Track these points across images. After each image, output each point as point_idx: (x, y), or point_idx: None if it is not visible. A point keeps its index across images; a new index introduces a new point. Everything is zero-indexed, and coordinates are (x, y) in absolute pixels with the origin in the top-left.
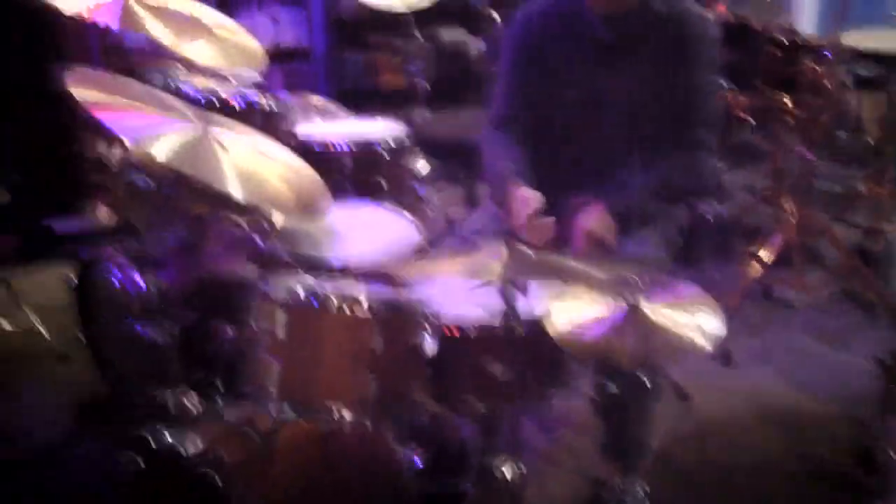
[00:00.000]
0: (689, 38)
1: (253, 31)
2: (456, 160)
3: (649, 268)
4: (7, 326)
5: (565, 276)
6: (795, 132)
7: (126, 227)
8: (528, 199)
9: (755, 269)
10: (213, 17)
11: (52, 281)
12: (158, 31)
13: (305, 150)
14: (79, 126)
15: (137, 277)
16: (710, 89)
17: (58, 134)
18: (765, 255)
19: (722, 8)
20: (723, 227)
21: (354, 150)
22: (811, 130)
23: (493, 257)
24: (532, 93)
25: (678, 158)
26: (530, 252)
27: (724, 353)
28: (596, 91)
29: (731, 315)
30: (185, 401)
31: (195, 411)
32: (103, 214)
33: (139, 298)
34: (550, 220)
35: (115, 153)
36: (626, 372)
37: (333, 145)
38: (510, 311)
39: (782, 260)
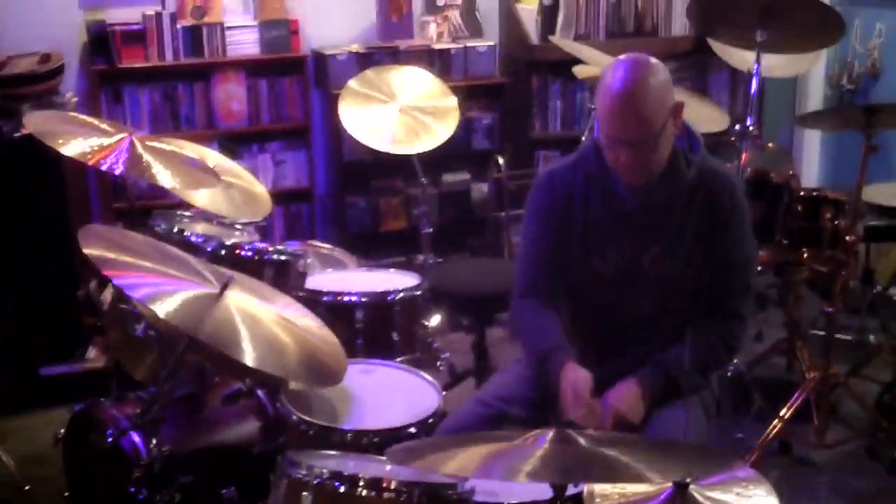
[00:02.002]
0: (723, 208)
1: (254, 171)
2: (460, 306)
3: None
4: None
5: (616, 473)
6: (812, 284)
7: (119, 373)
8: (580, 380)
9: (773, 425)
10: (220, 163)
11: (37, 430)
12: (164, 177)
13: (316, 303)
14: (72, 270)
15: (136, 437)
16: (748, 258)
17: (50, 278)
18: (783, 409)
19: (745, 159)
20: (739, 382)
21: (366, 301)
22: (830, 283)
23: (539, 444)
24: (561, 256)
25: (716, 331)
26: (581, 440)
27: None
28: (625, 259)
29: None
30: None
31: None
32: (95, 360)
33: (137, 460)
34: (600, 402)
35: (106, 296)
36: None
37: (344, 297)
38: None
39: (801, 415)
